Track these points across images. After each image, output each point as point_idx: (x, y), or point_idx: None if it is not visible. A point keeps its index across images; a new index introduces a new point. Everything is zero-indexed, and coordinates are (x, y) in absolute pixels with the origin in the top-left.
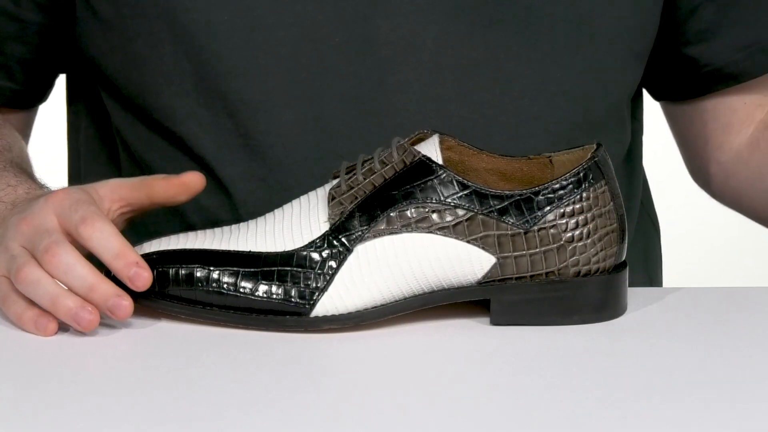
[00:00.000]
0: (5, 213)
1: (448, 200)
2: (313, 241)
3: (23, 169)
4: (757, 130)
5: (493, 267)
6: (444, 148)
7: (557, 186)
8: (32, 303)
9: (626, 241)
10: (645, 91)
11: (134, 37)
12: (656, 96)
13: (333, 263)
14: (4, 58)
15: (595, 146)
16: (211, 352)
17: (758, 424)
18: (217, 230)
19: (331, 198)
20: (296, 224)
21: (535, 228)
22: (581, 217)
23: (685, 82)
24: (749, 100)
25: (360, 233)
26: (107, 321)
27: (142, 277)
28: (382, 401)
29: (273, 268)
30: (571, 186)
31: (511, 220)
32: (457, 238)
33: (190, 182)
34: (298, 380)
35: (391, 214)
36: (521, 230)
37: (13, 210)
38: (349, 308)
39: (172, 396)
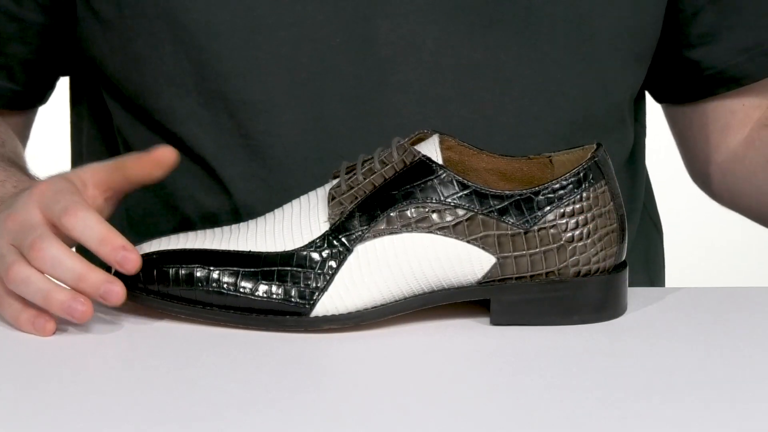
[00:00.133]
0: None
1: (448, 200)
2: (313, 241)
3: (14, 162)
4: (753, 129)
5: (493, 267)
6: (444, 148)
7: (557, 186)
8: (27, 303)
9: (626, 241)
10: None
11: (134, 37)
12: (658, 98)
13: (333, 263)
14: (5, 58)
15: (595, 146)
16: (211, 352)
17: (758, 424)
18: (217, 230)
19: (331, 198)
20: (296, 224)
21: (535, 228)
22: (581, 217)
23: (687, 84)
24: (748, 102)
25: (360, 233)
26: (107, 321)
27: (130, 260)
28: (382, 401)
29: (273, 268)
30: (571, 186)
31: (511, 220)
32: (457, 238)
33: (161, 157)
34: (298, 380)
35: (391, 214)
36: (521, 230)
37: (2, 206)
38: (349, 308)
39: (172, 396)
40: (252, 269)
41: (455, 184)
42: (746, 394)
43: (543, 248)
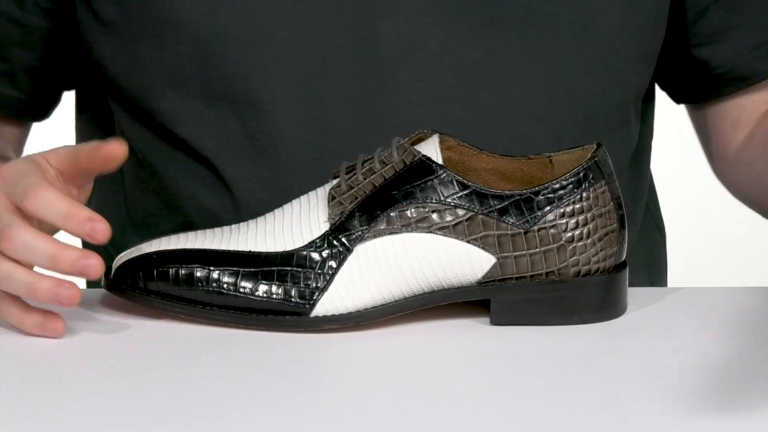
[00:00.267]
0: None
1: (448, 200)
2: (313, 241)
3: None
4: (756, 121)
5: (493, 267)
6: (444, 148)
7: (557, 186)
8: (27, 307)
9: (626, 241)
10: (658, 95)
11: (137, 39)
12: (675, 99)
13: (333, 263)
14: (9, 65)
15: (595, 146)
16: (211, 352)
17: (758, 424)
18: (217, 230)
19: (331, 198)
20: (296, 224)
21: (535, 228)
22: (581, 217)
23: (698, 84)
24: (758, 97)
25: (360, 233)
26: (107, 321)
27: (99, 230)
28: (382, 401)
29: (273, 268)
30: (571, 186)
31: (511, 220)
32: (457, 238)
33: (112, 153)
34: (298, 380)
35: (391, 214)
36: (521, 230)
37: None
38: (349, 308)
39: (172, 396)
40: (252, 269)
41: (455, 184)
42: (746, 394)
43: (543, 248)
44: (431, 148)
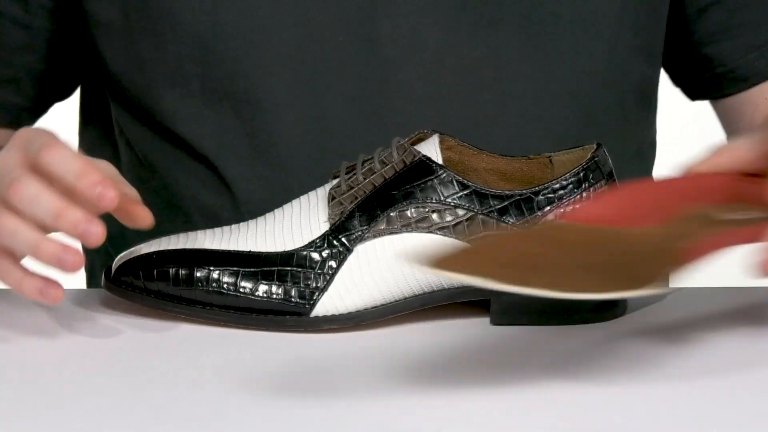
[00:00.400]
0: None
1: (448, 200)
2: (313, 241)
3: None
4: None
5: None
6: (444, 148)
7: (557, 186)
8: (28, 271)
9: None
10: (661, 93)
11: (138, 38)
12: (689, 96)
13: (333, 263)
14: (13, 70)
15: (595, 146)
16: (211, 352)
17: (759, 425)
18: (217, 230)
19: (331, 198)
20: (296, 224)
21: None
22: None
23: (702, 81)
24: None
25: (360, 233)
26: (107, 321)
27: (107, 198)
28: (382, 401)
29: (273, 268)
30: (571, 186)
31: (511, 220)
32: (457, 238)
33: (138, 216)
34: (298, 380)
35: (391, 214)
36: None
37: None
38: (349, 308)
39: (172, 396)
40: (252, 269)
41: (455, 184)
42: (747, 394)
43: None
44: (431, 148)
